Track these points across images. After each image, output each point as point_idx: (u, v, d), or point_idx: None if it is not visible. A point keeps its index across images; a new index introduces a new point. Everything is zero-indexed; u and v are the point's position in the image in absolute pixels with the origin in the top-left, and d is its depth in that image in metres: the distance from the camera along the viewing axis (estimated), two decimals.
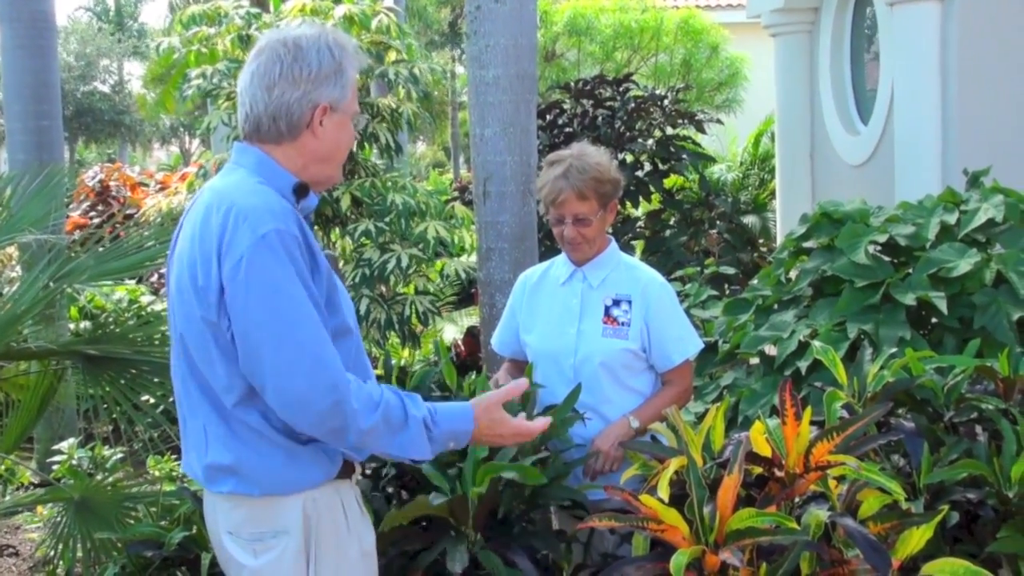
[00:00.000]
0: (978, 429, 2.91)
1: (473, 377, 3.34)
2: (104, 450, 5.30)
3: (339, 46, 2.39)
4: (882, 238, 4.03)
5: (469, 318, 8.88)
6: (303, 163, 2.38)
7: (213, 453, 2.32)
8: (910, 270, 3.93)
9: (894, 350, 3.46)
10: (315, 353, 2.21)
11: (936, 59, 6.05)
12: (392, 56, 6.89)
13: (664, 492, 2.50)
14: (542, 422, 2.48)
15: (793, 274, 4.33)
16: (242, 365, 2.23)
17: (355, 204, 6.63)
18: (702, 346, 3.52)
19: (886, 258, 4.06)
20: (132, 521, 3.80)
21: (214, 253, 2.22)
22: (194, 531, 3.08)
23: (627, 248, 7.98)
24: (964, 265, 3.80)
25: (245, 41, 6.68)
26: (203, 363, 2.29)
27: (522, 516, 2.95)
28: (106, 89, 36.07)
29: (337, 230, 6.85)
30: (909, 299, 3.77)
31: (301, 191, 2.38)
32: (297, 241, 2.24)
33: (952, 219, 4.07)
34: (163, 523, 3.28)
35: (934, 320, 3.91)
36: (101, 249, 4.34)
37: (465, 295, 9.60)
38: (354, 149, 6.57)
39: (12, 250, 6.34)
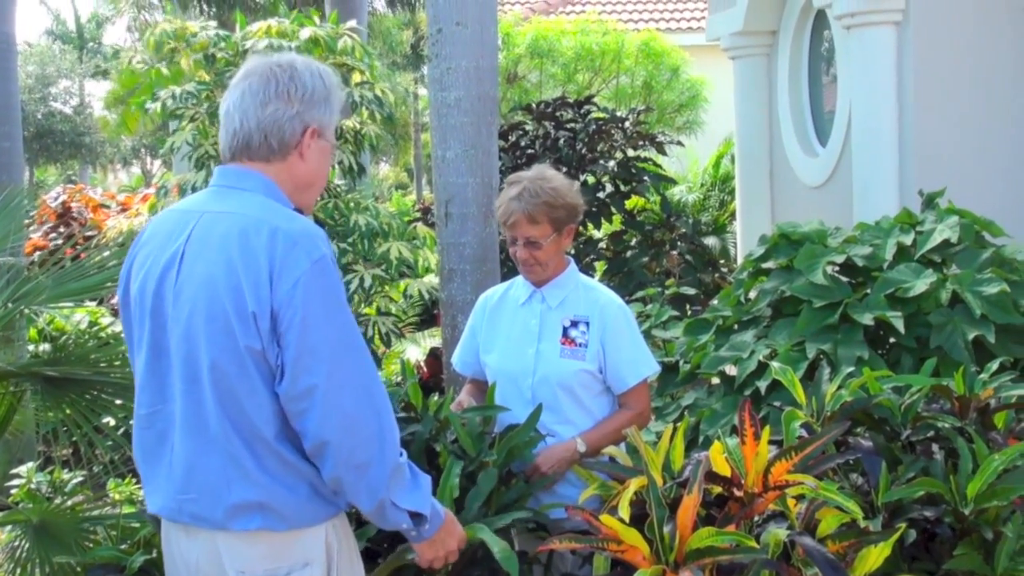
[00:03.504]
0: (934, 447, 2.95)
1: (437, 398, 3.34)
2: (63, 474, 5.24)
3: (328, 75, 2.42)
4: (840, 259, 4.08)
5: (432, 339, 8.87)
6: (292, 187, 2.38)
7: (238, 491, 2.25)
8: (868, 290, 3.97)
9: (852, 369, 3.51)
10: (364, 381, 2.24)
11: (892, 82, 6.14)
12: (357, 78, 6.91)
13: (625, 512, 2.51)
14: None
15: (753, 295, 4.37)
16: (287, 389, 2.20)
17: (318, 225, 6.61)
18: (658, 369, 3.53)
19: (844, 279, 4.10)
20: (92, 545, 3.75)
21: (264, 277, 2.19)
22: (155, 555, 3.05)
23: (589, 269, 8.02)
24: (920, 285, 3.85)
25: (211, 61, 6.67)
26: (243, 394, 2.23)
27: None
28: (67, 110, 35.76)
29: None
30: (867, 319, 3.81)
31: None
32: (336, 265, 2.28)
33: (908, 240, 4.12)
34: (123, 547, 3.24)
35: (891, 340, 3.95)
36: (61, 270, 4.31)
37: (428, 316, 9.59)
38: None
39: None
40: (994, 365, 3.34)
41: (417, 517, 2.34)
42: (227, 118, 2.37)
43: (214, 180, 2.42)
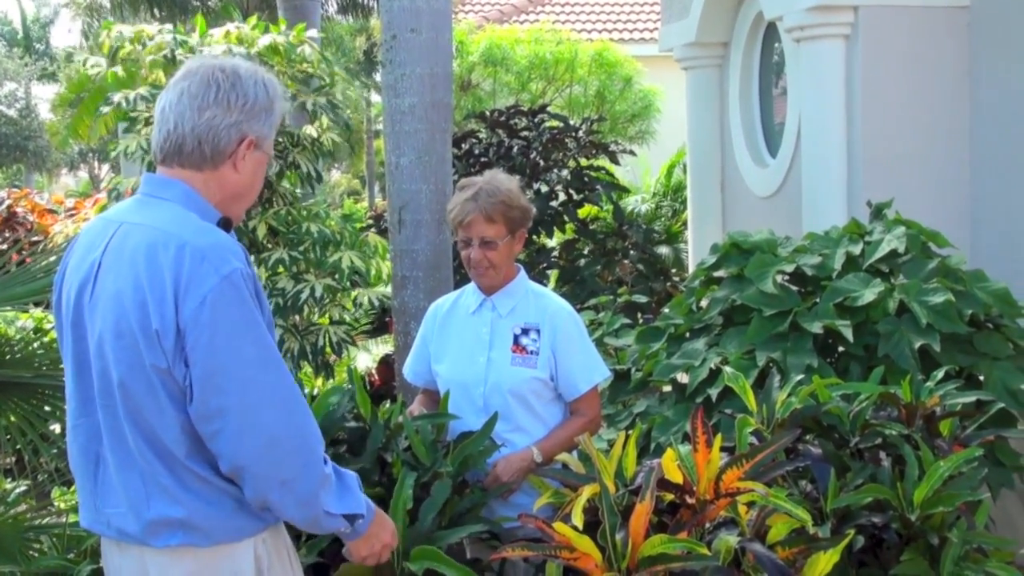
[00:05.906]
0: (882, 454, 2.99)
1: (388, 405, 3.33)
2: (6, 483, 5.16)
3: (273, 85, 2.36)
4: (790, 268, 4.11)
5: (383, 346, 8.84)
6: (221, 197, 2.32)
7: (158, 507, 2.21)
8: (817, 299, 4.01)
9: (801, 377, 3.54)
10: (283, 395, 2.18)
11: (841, 94, 6.21)
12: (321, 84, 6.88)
13: (578, 519, 2.51)
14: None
15: (704, 303, 4.40)
16: (197, 410, 2.14)
17: (271, 233, 6.57)
18: (609, 375, 3.55)
19: (793, 287, 4.14)
20: (36, 554, 3.70)
21: (169, 294, 2.12)
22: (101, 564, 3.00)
23: (542, 277, 8.03)
24: (868, 294, 3.89)
25: (171, 62, 6.58)
26: (151, 412, 2.18)
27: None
28: (12, 113, 35.24)
29: (252, 259, 6.77)
30: (816, 327, 3.85)
31: (224, 226, 2.31)
32: (251, 278, 2.21)
33: (857, 250, 4.17)
34: (70, 556, 3.19)
35: (840, 348, 3.99)
36: (7, 275, 4.24)
37: (379, 323, 9.55)
38: (272, 178, 6.53)
39: None
40: (940, 373, 3.39)
41: (352, 517, 2.32)
42: (161, 117, 2.30)
43: (140, 188, 2.36)
